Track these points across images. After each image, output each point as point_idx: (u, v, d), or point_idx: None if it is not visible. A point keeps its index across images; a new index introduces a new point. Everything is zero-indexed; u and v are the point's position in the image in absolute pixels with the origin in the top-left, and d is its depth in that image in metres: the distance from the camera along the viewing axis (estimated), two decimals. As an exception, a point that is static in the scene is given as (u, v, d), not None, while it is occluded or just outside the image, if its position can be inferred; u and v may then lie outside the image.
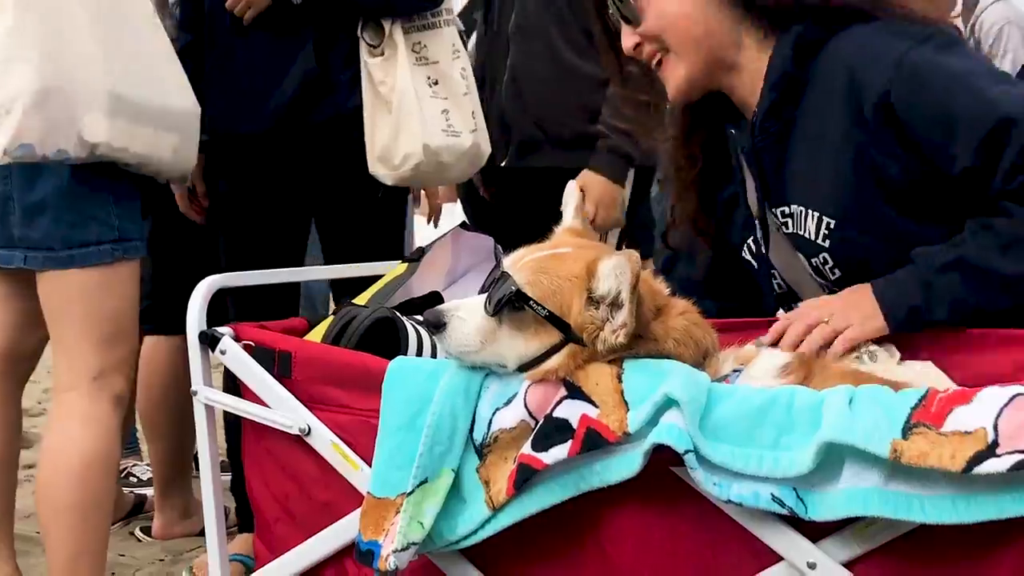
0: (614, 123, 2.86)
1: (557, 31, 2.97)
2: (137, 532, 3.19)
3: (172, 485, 3.14)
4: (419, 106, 2.54)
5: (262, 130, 2.55)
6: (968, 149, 1.58)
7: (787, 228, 1.81)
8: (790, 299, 1.89)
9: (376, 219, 2.71)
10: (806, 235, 1.77)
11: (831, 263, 1.76)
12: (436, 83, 2.60)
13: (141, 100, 2.13)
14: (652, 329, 1.46)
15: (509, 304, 1.44)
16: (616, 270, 1.40)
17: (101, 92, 2.05)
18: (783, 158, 1.77)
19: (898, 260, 1.67)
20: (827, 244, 1.74)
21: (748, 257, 1.93)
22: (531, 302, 1.43)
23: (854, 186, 1.69)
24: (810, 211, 1.75)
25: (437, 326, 1.47)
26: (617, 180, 2.87)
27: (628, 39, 1.83)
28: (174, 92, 2.23)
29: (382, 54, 2.56)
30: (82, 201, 2.13)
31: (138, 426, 3.69)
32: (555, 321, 1.43)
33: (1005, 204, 1.58)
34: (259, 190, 2.63)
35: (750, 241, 1.91)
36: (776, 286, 1.91)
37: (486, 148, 2.73)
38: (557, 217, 2.76)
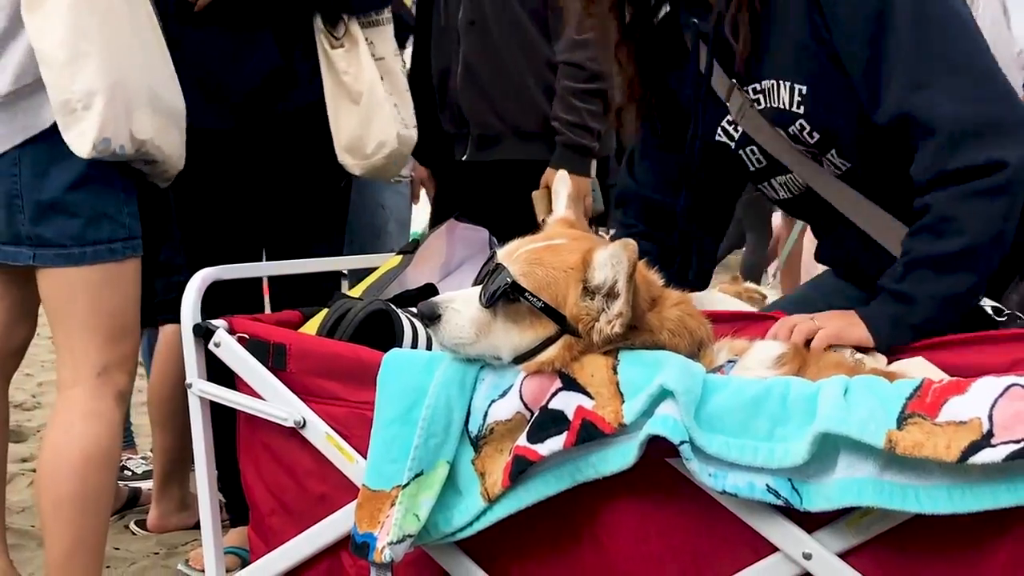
0: (565, 117, 2.87)
1: (507, 19, 2.95)
2: (132, 525, 3.19)
3: (171, 477, 3.14)
4: (385, 96, 2.56)
5: (228, 126, 2.54)
6: (860, 61, 1.70)
7: (759, 104, 1.87)
8: (770, 173, 1.96)
9: (322, 215, 2.72)
10: (780, 106, 1.83)
11: (808, 128, 1.83)
12: (382, 78, 2.62)
13: (168, 98, 2.16)
14: (647, 320, 1.47)
15: (504, 296, 1.44)
16: (612, 259, 1.40)
17: (145, 89, 2.07)
18: (757, 37, 1.83)
19: (866, 120, 1.77)
20: (801, 110, 1.81)
21: (723, 139, 1.97)
22: (526, 293, 1.43)
23: (815, 52, 1.77)
24: (782, 82, 1.82)
25: (431, 318, 1.47)
26: (579, 173, 2.86)
27: None
28: (176, 91, 2.23)
29: (343, 46, 2.57)
30: (96, 199, 2.11)
31: (132, 420, 3.69)
32: (550, 312, 1.43)
33: (921, 202, 1.66)
34: (217, 185, 2.62)
35: (724, 123, 1.96)
36: (756, 161, 1.96)
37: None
38: (525, 209, 2.78)
